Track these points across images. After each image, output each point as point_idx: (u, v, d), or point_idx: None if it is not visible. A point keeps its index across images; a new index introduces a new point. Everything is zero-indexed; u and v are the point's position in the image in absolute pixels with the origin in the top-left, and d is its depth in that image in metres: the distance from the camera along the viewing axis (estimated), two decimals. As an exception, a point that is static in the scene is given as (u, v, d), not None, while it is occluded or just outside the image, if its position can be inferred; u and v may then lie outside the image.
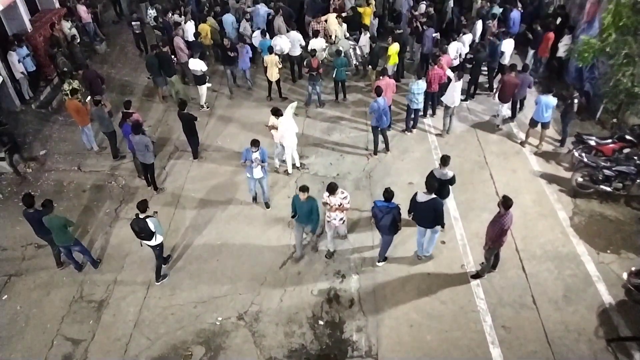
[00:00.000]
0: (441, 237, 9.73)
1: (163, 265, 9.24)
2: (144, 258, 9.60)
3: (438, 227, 8.93)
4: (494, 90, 12.86)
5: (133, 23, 16.11)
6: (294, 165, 11.56)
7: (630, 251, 9.36)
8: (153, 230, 8.50)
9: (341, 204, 8.77)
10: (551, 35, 13.67)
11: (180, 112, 11.42)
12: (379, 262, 9.34)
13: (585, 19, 13.19)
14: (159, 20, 16.21)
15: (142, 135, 10.50)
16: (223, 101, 14.33)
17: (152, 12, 16.40)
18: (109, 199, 11.09)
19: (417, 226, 9.03)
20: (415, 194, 8.65)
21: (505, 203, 7.97)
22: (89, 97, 12.08)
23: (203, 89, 13.62)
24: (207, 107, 13.94)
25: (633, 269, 8.39)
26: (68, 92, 12.03)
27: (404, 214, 8.81)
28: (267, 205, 10.68)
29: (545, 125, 11.60)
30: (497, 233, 8.13)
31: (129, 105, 11.41)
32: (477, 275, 8.99)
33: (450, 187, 9.51)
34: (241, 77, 14.76)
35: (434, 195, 8.47)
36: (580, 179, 10.48)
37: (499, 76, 13.23)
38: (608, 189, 10.24)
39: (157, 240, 8.71)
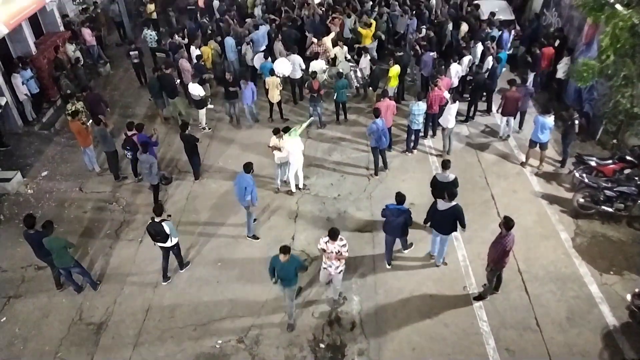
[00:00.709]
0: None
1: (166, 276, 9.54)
2: (144, 280, 9.56)
3: (449, 236, 9.19)
4: (498, 106, 12.90)
5: (131, 53, 15.76)
6: (297, 185, 11.57)
7: (633, 272, 9.30)
8: (168, 233, 8.84)
9: (339, 252, 8.14)
10: (551, 50, 13.96)
11: (182, 134, 11.50)
12: (405, 249, 9.84)
13: (583, 41, 13.33)
14: (162, 43, 16.42)
15: (149, 155, 10.65)
16: (224, 123, 14.40)
17: (152, 34, 16.61)
18: (110, 220, 11.08)
19: (432, 232, 9.36)
20: (435, 202, 8.98)
21: (507, 224, 7.96)
22: (90, 120, 12.17)
23: (202, 112, 13.77)
24: (209, 129, 14.02)
25: (637, 290, 8.33)
26: (70, 112, 12.14)
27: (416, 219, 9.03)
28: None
29: (543, 146, 11.64)
30: (499, 254, 8.09)
31: (132, 126, 11.51)
32: (479, 297, 8.92)
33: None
34: (241, 110, 14.34)
35: (454, 203, 8.72)
36: (581, 200, 10.47)
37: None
38: (610, 209, 10.23)
39: (173, 241, 9.11)
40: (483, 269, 8.75)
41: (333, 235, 8.06)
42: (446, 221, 8.87)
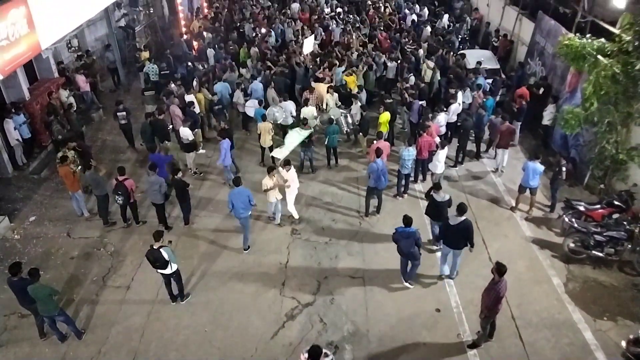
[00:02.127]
0: (435, 305, 9.60)
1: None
2: (130, 328, 9.31)
3: (463, 250, 9.77)
4: (494, 142, 13.56)
5: (118, 114, 14.74)
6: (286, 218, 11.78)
7: (627, 318, 9.23)
8: (167, 259, 8.99)
9: None
10: (524, 90, 14.70)
11: (172, 179, 11.49)
12: (407, 282, 10.06)
13: (567, 89, 13.72)
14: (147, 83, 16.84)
15: (158, 175, 11.31)
16: (216, 167, 14.44)
17: (153, 67, 17.34)
18: (97, 267, 10.88)
19: (441, 251, 10.16)
20: (447, 218, 9.65)
21: (499, 270, 7.93)
22: (79, 167, 12.14)
23: (191, 156, 13.85)
24: (200, 173, 14.04)
25: (631, 337, 8.22)
26: (59, 157, 12.18)
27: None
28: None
29: (533, 191, 11.79)
30: (492, 300, 8.02)
31: (123, 171, 11.51)
32: (473, 345, 8.76)
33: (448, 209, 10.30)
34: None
35: (464, 217, 9.34)
36: (572, 245, 10.50)
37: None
38: (600, 254, 10.25)
39: (172, 268, 9.24)
40: (477, 315, 8.63)
41: (315, 355, 6.69)
42: (459, 236, 9.48)
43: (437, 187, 10.48)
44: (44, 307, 8.55)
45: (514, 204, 12.28)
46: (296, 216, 11.94)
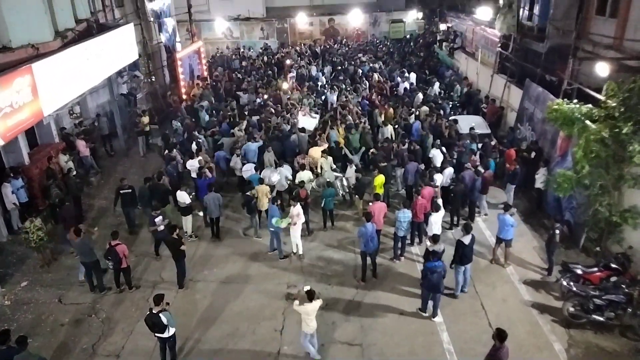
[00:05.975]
0: (435, 373, 9.34)
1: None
2: (119, 400, 8.96)
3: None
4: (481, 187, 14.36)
5: (156, 220, 12.55)
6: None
7: (632, 386, 8.97)
8: (166, 324, 8.97)
9: None
10: (512, 151, 15.30)
11: (169, 238, 11.44)
12: (434, 317, 10.61)
13: (558, 153, 14.01)
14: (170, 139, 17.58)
15: (215, 193, 13.31)
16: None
17: (177, 124, 18.91)
18: (87, 334, 10.59)
19: (456, 268, 11.15)
20: (459, 241, 10.93)
21: (500, 335, 7.81)
22: (72, 229, 12.09)
23: (188, 219, 13.90)
24: (196, 237, 14.00)
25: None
26: (28, 230, 12.09)
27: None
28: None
29: (507, 243, 12.14)
30: (493, 368, 7.83)
31: (117, 235, 11.49)
32: (476, 416, 8.46)
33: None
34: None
35: (471, 234, 10.89)
36: (571, 309, 10.34)
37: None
38: (601, 318, 10.08)
39: (170, 332, 9.20)
40: (478, 384, 8.39)
41: None
42: (471, 249, 10.96)
43: (435, 239, 10.97)
44: (30, 377, 8.26)
45: (507, 264, 12.39)
46: (301, 251, 12.77)
